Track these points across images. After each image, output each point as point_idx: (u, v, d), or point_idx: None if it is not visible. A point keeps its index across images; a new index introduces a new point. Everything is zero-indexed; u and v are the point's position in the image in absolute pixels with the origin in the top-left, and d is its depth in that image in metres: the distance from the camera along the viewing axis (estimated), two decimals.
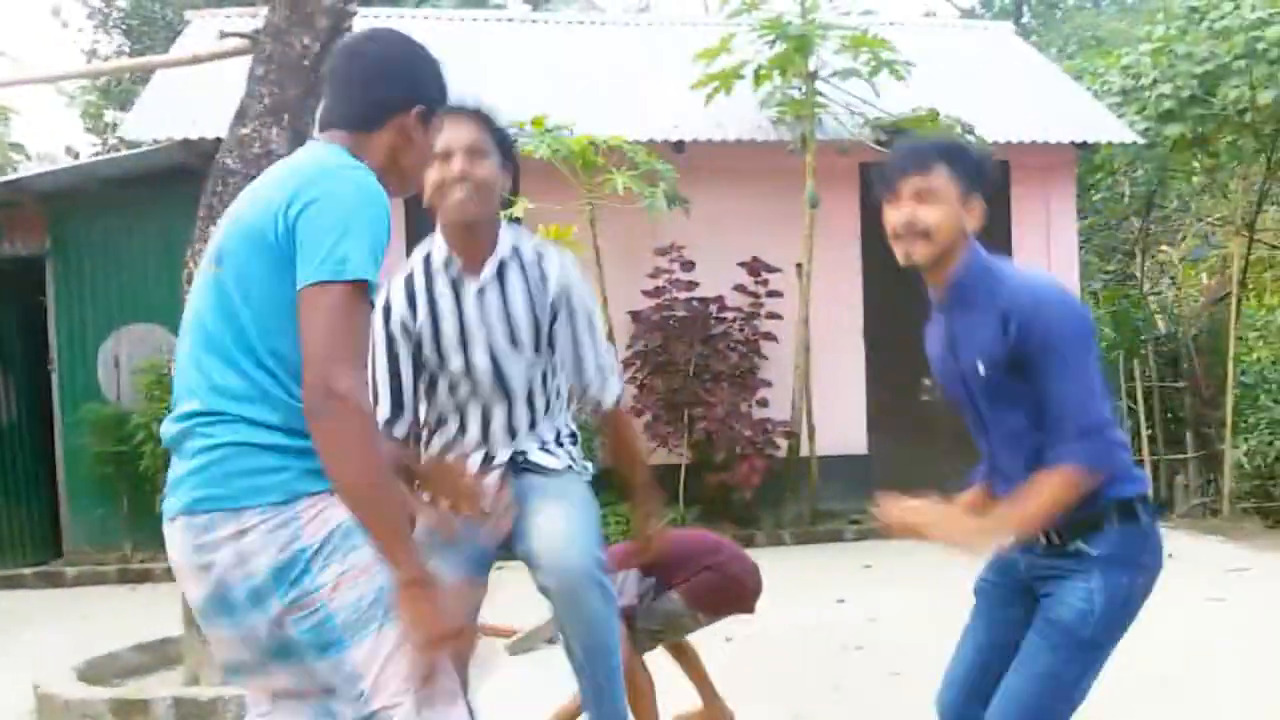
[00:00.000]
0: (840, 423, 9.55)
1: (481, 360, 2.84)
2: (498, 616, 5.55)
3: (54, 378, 9.05)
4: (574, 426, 3.03)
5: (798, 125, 9.35)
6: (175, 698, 4.52)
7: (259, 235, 2.03)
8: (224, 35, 6.32)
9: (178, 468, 2.07)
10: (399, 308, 2.86)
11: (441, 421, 2.94)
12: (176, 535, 2.06)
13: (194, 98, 8.77)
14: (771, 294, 9.35)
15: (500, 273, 2.86)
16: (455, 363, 2.84)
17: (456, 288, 2.85)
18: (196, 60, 6.59)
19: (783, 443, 9.17)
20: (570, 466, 2.93)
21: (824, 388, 9.29)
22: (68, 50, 28.97)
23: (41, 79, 8.53)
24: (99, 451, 8.63)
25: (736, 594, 3.83)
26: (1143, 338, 11.15)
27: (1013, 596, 2.65)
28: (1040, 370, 2.44)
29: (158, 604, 6.93)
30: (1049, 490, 2.44)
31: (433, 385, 2.91)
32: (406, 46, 2.28)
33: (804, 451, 9.33)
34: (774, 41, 9.06)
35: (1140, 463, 10.58)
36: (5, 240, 9.00)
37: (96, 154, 16.04)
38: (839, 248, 9.53)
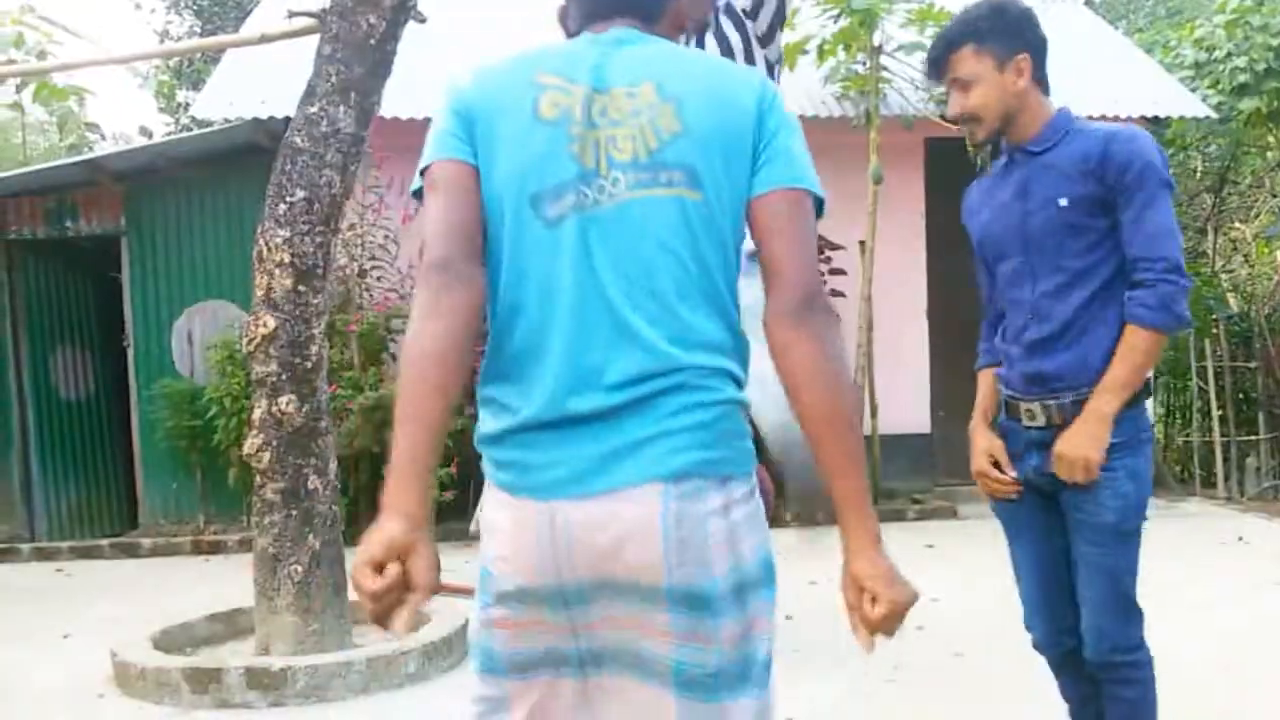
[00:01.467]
0: (903, 401, 9.49)
1: None
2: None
3: (129, 354, 9.25)
4: None
5: (862, 101, 9.27)
6: (247, 667, 4.62)
7: (738, 144, 1.69)
8: (292, 15, 6.39)
9: (628, 430, 1.60)
10: None
11: None
12: (626, 509, 1.59)
13: (263, 77, 8.89)
14: (834, 272, 9.29)
15: None
16: None
17: None
18: (265, 40, 6.67)
19: None
20: None
21: (887, 366, 9.24)
22: (141, 32, 29.48)
23: (116, 60, 8.68)
24: (173, 426, 8.81)
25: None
26: (1214, 317, 10.94)
27: (1036, 509, 2.71)
28: (1123, 202, 2.51)
29: (229, 575, 7.08)
30: (1135, 349, 2.50)
31: None
32: None
33: (866, 430, 9.29)
34: (838, 16, 8.98)
35: (1210, 444, 10.42)
36: (82, 218, 9.20)
37: (169, 133, 16.31)
38: (903, 225, 9.44)
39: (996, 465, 2.74)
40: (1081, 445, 2.51)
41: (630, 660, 1.65)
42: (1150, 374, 2.64)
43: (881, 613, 1.61)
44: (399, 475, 1.55)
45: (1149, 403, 2.65)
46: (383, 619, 1.50)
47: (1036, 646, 2.83)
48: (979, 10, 2.65)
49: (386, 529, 1.50)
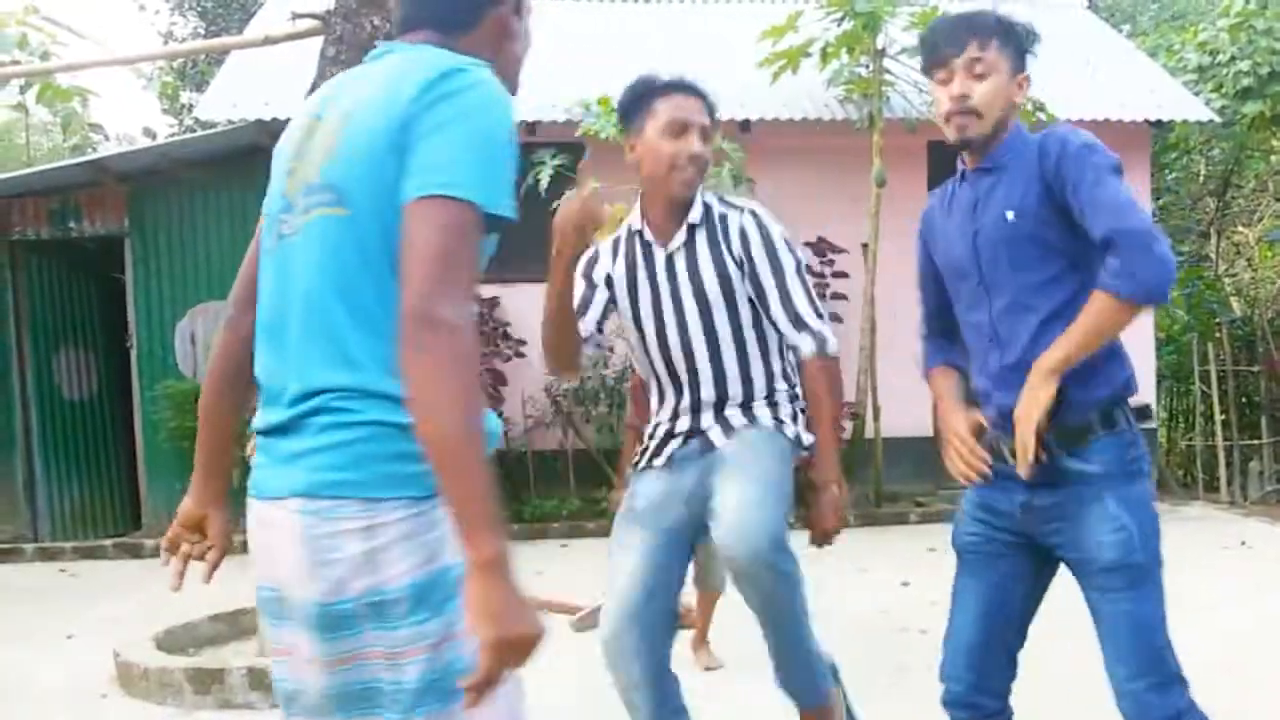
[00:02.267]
0: (906, 404, 9.47)
1: (674, 326, 2.86)
2: (560, 592, 5.63)
3: (133, 354, 9.26)
4: (795, 383, 2.94)
5: (865, 104, 9.29)
6: (250, 668, 4.62)
7: (382, 153, 1.61)
8: (296, 16, 6.40)
9: (292, 444, 1.66)
10: (605, 259, 2.94)
11: (652, 385, 2.97)
12: (283, 518, 1.65)
13: (267, 79, 8.91)
14: (837, 274, 9.31)
15: (690, 238, 2.87)
16: (650, 328, 2.88)
17: (648, 255, 2.90)
18: (269, 41, 6.67)
19: (848, 424, 9.13)
20: (775, 426, 2.85)
21: (890, 368, 9.23)
22: (145, 33, 29.53)
23: (120, 61, 8.69)
24: (176, 426, 8.82)
25: None
26: (1217, 320, 10.94)
27: (1005, 549, 2.47)
28: (1071, 190, 2.29)
29: (232, 576, 7.07)
30: (1090, 312, 2.25)
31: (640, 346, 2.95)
32: None
33: (869, 433, 9.29)
34: (842, 19, 8.99)
35: (1213, 448, 10.41)
36: (86, 219, 9.22)
37: (173, 135, 16.32)
38: (906, 227, 9.31)
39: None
40: (1022, 403, 2.30)
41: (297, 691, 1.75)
42: (1137, 394, 2.42)
43: (479, 649, 1.48)
44: (195, 468, 2.03)
45: (1151, 422, 2.48)
46: (179, 569, 2.16)
47: (948, 704, 2.57)
48: (1006, 16, 2.53)
49: (183, 505, 2.05)
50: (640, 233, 2.91)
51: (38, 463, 9.34)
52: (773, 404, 2.87)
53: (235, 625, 5.48)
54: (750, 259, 2.83)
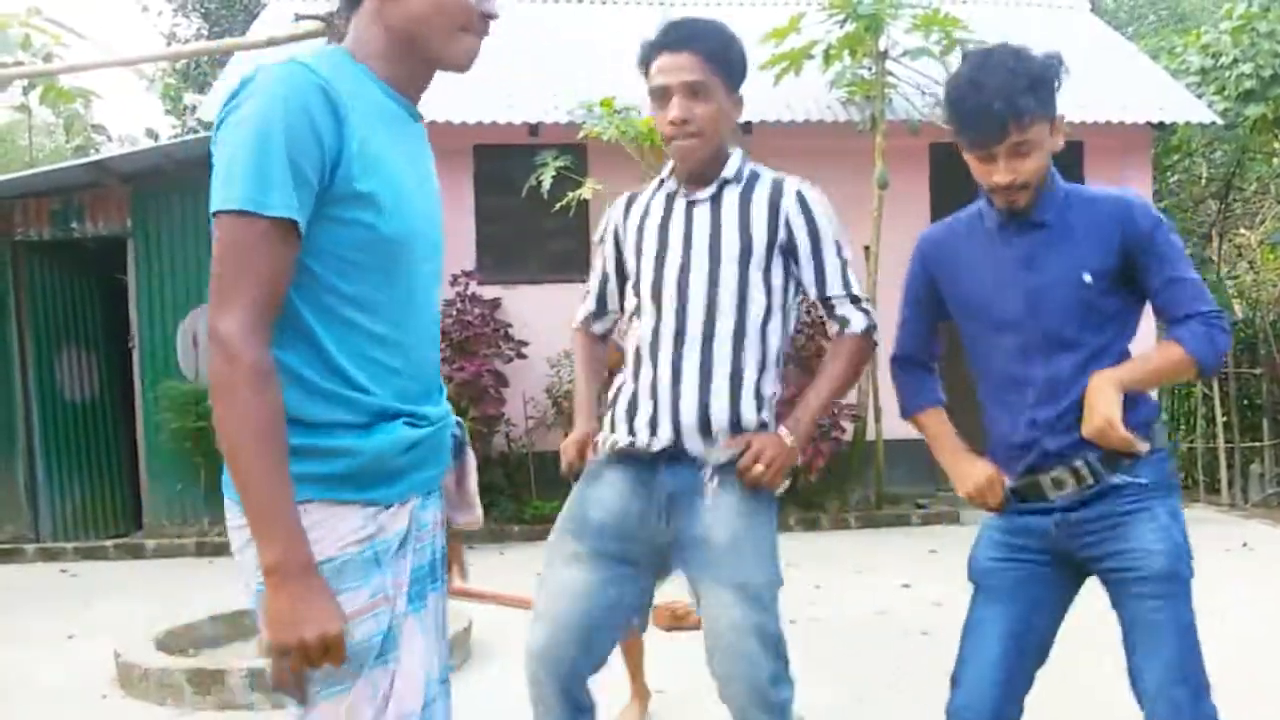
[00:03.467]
0: None
1: (672, 278, 2.62)
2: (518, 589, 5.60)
3: (135, 355, 9.26)
4: (778, 392, 2.71)
5: (867, 106, 9.29)
6: (250, 669, 4.61)
7: None
8: (299, 18, 6.41)
9: None
10: (618, 211, 2.81)
11: (630, 355, 2.70)
12: None
13: None
14: None
15: (718, 193, 2.66)
16: (647, 276, 2.65)
17: (670, 201, 2.70)
18: (272, 43, 6.68)
19: (849, 426, 9.14)
20: (759, 427, 2.60)
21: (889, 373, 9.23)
22: (148, 34, 29.51)
23: (123, 62, 8.71)
24: (178, 427, 8.82)
25: None
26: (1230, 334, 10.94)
27: (1035, 571, 2.46)
28: (1159, 267, 2.36)
29: (234, 576, 7.08)
30: (1166, 358, 2.36)
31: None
32: None
33: (870, 435, 9.29)
34: (844, 21, 8.99)
35: (1215, 450, 10.41)
36: (88, 220, 9.21)
37: (176, 136, 16.34)
38: (908, 229, 9.32)
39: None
40: (1097, 415, 2.31)
41: None
42: (1160, 423, 2.50)
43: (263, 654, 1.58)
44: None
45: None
46: None
47: None
48: (1035, 68, 2.36)
49: (318, 592, 1.65)
50: (664, 181, 2.74)
51: (39, 463, 9.33)
52: (759, 396, 2.62)
53: (236, 626, 5.48)
54: (814, 229, 2.63)
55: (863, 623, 5.71)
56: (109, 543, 8.92)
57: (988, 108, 2.30)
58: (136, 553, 8.64)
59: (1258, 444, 10.52)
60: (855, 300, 2.68)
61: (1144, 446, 2.37)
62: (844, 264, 2.67)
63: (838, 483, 9.20)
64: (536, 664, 2.58)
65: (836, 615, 5.80)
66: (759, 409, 2.61)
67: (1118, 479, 2.39)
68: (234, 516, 1.71)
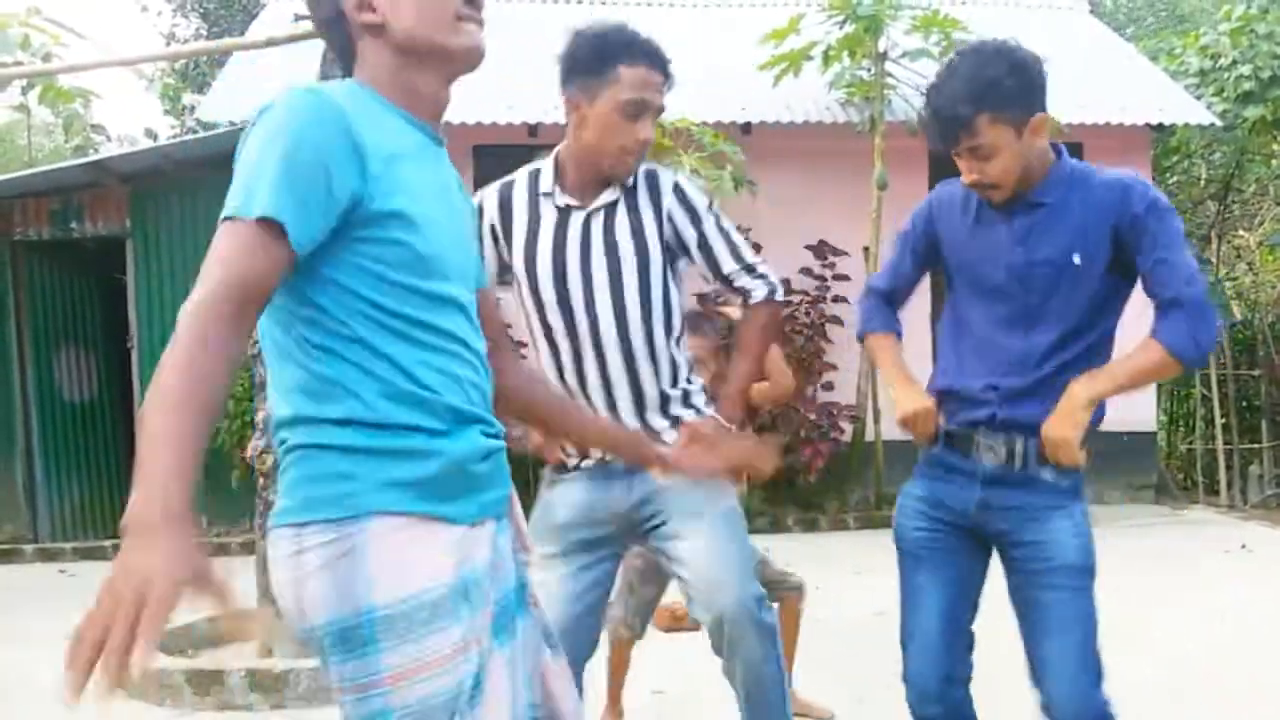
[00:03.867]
0: None
1: (579, 296, 2.62)
2: None
3: (133, 355, 9.26)
4: (699, 382, 2.78)
5: (866, 107, 9.29)
6: (249, 669, 4.62)
7: None
8: (298, 18, 6.41)
9: None
10: (490, 211, 2.71)
11: (552, 373, 2.69)
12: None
13: (269, 80, 8.91)
14: (838, 277, 9.31)
15: (610, 205, 2.66)
16: (548, 294, 2.64)
17: (563, 215, 2.66)
18: (271, 43, 6.68)
19: (848, 426, 9.14)
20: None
21: None
22: (147, 34, 29.53)
23: (122, 62, 8.69)
24: None
25: None
26: (1218, 324, 10.94)
27: (959, 543, 2.59)
28: (1151, 246, 2.39)
29: (231, 577, 7.08)
30: (1147, 359, 2.39)
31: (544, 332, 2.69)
32: None
33: (869, 436, 9.29)
34: (843, 22, 9.00)
35: (1213, 452, 10.41)
36: (87, 220, 9.22)
37: (174, 136, 16.34)
38: None
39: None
40: (1063, 427, 2.39)
41: None
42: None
43: None
44: None
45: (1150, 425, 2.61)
46: None
47: (919, 702, 2.62)
48: (993, 71, 2.39)
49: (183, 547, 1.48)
50: (550, 194, 2.68)
51: (38, 463, 9.34)
52: (686, 395, 2.69)
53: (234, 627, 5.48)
54: (696, 217, 2.67)
55: (862, 623, 5.70)
56: (108, 543, 8.92)
57: (937, 114, 2.43)
58: None
59: (1256, 445, 10.52)
60: (750, 270, 2.74)
61: (1083, 463, 2.46)
62: (734, 242, 2.73)
63: (836, 483, 9.20)
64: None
65: (835, 616, 5.80)
66: (681, 383, 2.70)
67: (1045, 475, 2.48)
68: (284, 544, 1.61)
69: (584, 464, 2.67)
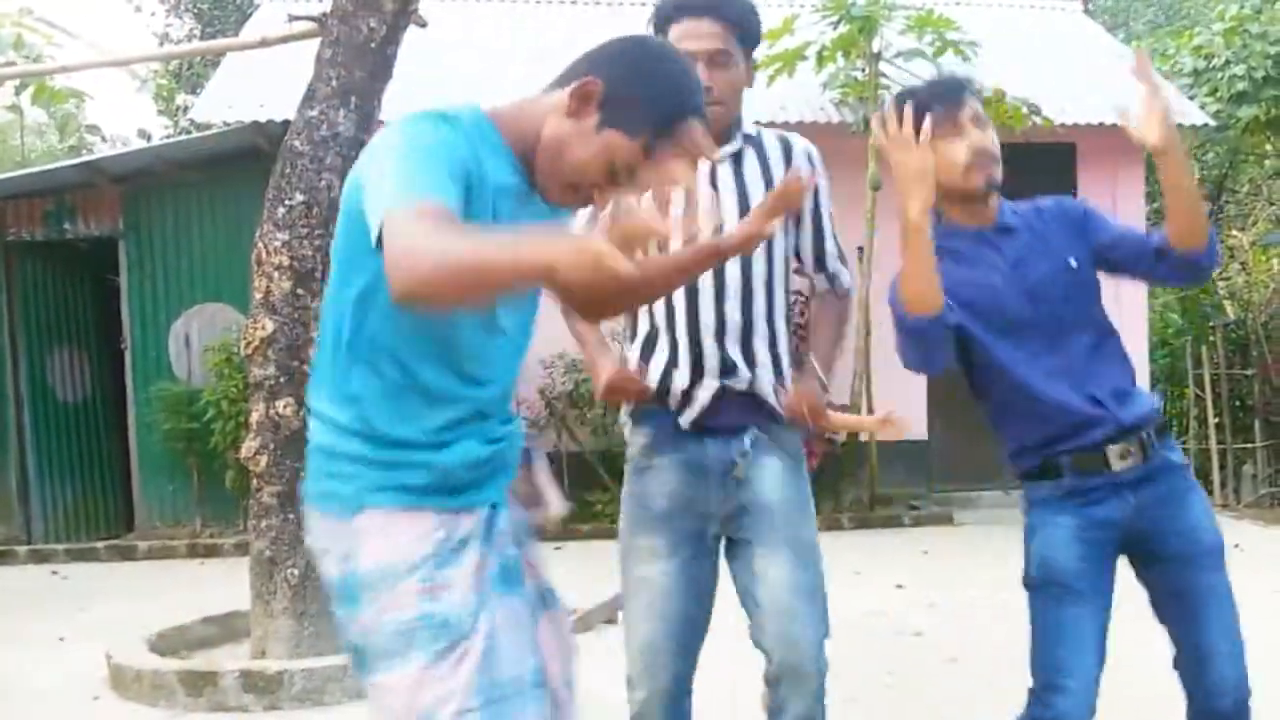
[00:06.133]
0: (900, 407, 9.38)
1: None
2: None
3: (126, 356, 9.25)
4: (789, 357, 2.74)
5: (860, 107, 9.29)
6: (243, 670, 4.61)
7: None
8: (292, 19, 6.40)
9: None
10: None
11: (650, 337, 2.63)
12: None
13: (263, 81, 8.90)
14: None
15: (737, 155, 2.65)
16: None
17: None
18: (265, 44, 6.68)
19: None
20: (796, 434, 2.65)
21: (884, 372, 9.23)
22: (141, 34, 29.49)
23: (115, 62, 8.70)
24: (170, 429, 8.81)
25: None
26: (1211, 324, 10.96)
27: (1110, 565, 2.52)
28: (1101, 227, 2.57)
29: (225, 578, 7.07)
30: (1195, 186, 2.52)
31: None
32: None
33: (863, 436, 9.29)
34: (838, 22, 9.00)
35: (1207, 451, 10.44)
36: (80, 221, 9.21)
37: (168, 136, 16.31)
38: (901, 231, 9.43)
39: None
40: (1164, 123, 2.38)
41: None
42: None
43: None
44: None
45: None
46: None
47: None
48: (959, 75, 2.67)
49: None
50: None
51: (31, 464, 9.32)
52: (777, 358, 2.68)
53: (228, 628, 5.47)
54: (817, 189, 2.70)
55: (856, 623, 5.70)
56: (100, 544, 8.90)
57: (942, 83, 2.56)
58: (128, 554, 8.62)
59: (1250, 445, 10.54)
60: (844, 259, 2.81)
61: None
62: (832, 227, 2.79)
63: (831, 483, 9.20)
64: (635, 674, 2.60)
65: (831, 617, 5.80)
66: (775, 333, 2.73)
67: (1167, 454, 2.53)
68: (322, 532, 1.91)
69: (681, 419, 2.58)
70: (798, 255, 2.76)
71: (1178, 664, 2.52)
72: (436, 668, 1.80)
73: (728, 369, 2.58)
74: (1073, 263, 2.52)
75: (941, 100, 2.46)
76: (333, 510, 1.88)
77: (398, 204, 1.64)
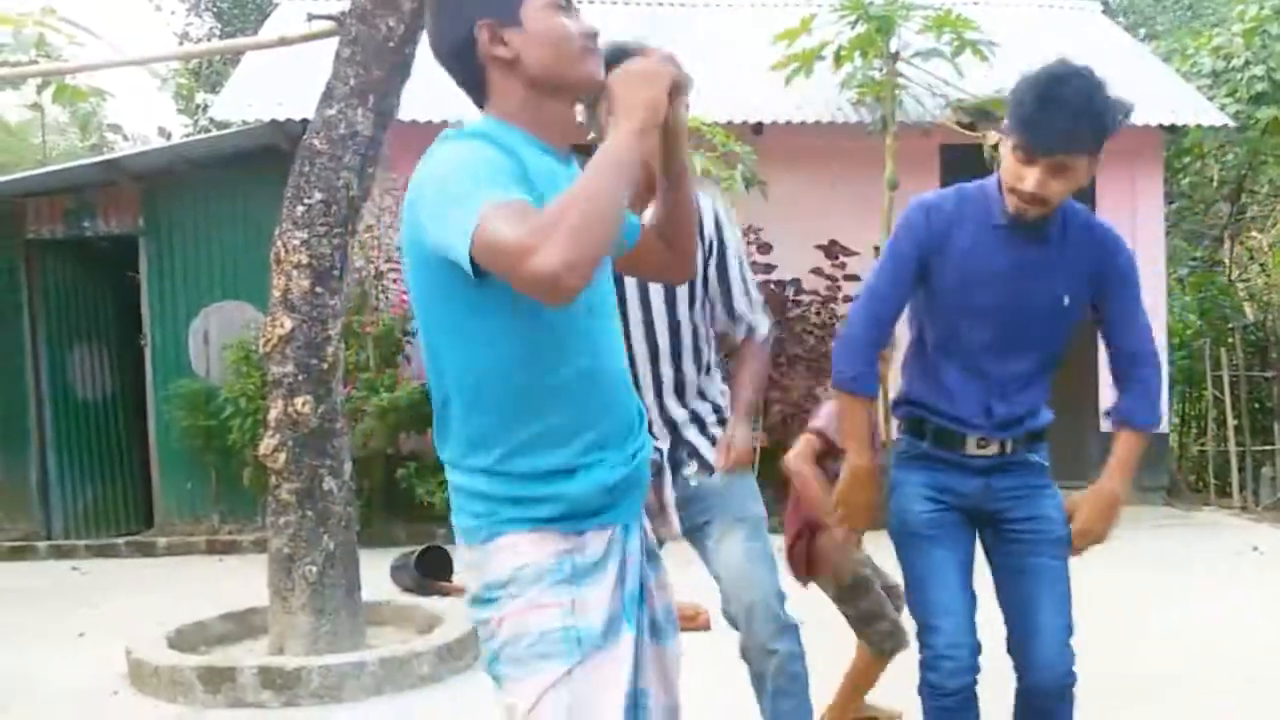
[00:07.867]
0: None
1: (631, 298, 2.77)
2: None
3: (146, 353, 9.30)
4: (726, 397, 2.99)
5: (878, 107, 9.27)
6: (261, 666, 4.64)
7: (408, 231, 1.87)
8: (311, 17, 6.43)
9: None
10: None
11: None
12: None
13: (282, 80, 8.94)
14: (849, 277, 9.29)
15: None
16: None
17: None
18: (284, 42, 6.70)
19: None
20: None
21: (900, 372, 9.23)
22: (161, 33, 29.64)
23: (136, 62, 8.73)
24: (189, 426, 8.85)
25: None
26: (1230, 325, 10.91)
27: (963, 521, 2.76)
28: (1120, 295, 2.65)
29: (244, 574, 7.11)
30: (1133, 448, 2.71)
31: None
32: None
33: (879, 436, 9.27)
34: (855, 22, 8.98)
35: (1225, 454, 10.39)
36: (100, 219, 9.26)
37: (188, 135, 16.39)
38: None
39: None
40: (1099, 523, 2.69)
41: None
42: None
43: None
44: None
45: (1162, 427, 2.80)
46: None
47: (954, 673, 2.66)
48: (1102, 104, 2.46)
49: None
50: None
51: (51, 461, 9.38)
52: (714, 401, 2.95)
53: (246, 624, 5.50)
54: (722, 243, 2.88)
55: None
56: (120, 540, 8.96)
57: (1052, 122, 2.42)
58: (147, 550, 8.67)
59: (1269, 447, 10.48)
60: (758, 308, 2.99)
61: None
62: (747, 278, 2.96)
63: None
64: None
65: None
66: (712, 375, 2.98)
67: (1030, 456, 2.75)
68: (467, 559, 1.98)
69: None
70: (713, 312, 2.94)
71: (1009, 645, 2.71)
72: (567, 681, 1.84)
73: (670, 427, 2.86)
74: (1065, 301, 2.63)
75: (1038, 135, 2.45)
76: (475, 542, 1.94)
77: (476, 219, 1.64)
